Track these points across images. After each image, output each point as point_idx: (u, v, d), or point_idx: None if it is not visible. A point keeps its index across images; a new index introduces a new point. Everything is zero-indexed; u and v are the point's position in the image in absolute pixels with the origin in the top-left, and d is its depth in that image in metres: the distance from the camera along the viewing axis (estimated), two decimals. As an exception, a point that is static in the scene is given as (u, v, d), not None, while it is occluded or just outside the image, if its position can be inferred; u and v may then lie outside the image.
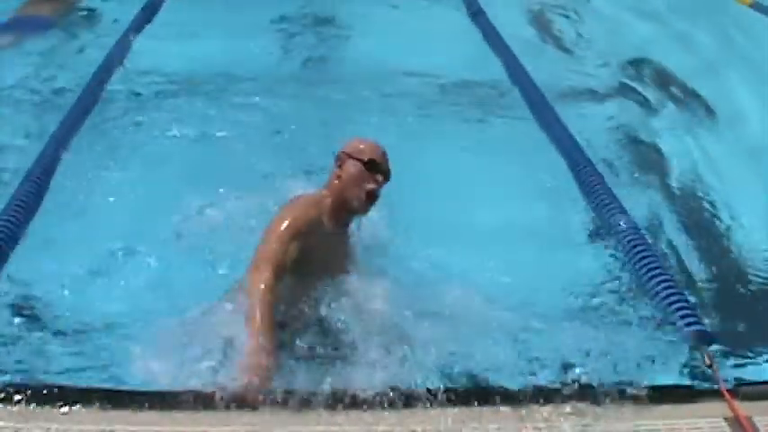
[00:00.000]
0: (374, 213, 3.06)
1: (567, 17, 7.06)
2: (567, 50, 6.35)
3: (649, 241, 3.60)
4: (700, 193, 4.26)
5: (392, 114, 4.92)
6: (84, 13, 6.95)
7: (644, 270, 3.37)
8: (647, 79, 5.78)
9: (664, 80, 5.74)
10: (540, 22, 6.95)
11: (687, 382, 2.76)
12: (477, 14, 6.59)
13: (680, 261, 3.61)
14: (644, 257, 3.43)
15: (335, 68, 5.83)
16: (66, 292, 3.18)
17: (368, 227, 3.17)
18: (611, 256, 3.60)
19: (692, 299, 3.24)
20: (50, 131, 4.50)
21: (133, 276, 3.29)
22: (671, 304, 3.10)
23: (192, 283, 3.14)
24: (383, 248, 3.30)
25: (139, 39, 6.13)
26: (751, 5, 7.04)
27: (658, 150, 4.73)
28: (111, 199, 3.92)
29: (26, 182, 3.94)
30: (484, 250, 3.48)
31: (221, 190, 3.69)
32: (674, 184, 4.37)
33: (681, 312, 3.04)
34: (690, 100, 5.40)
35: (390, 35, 6.29)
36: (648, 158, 4.65)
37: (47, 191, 3.97)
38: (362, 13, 6.90)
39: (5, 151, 4.40)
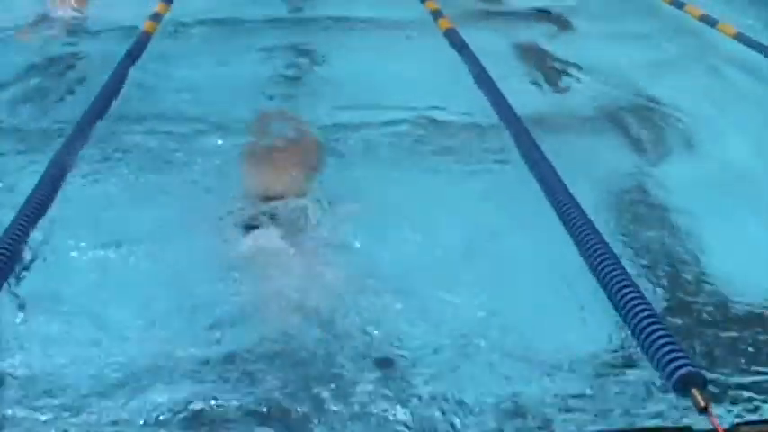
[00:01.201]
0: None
1: (554, 50, 6.98)
2: (554, 84, 6.25)
3: (634, 281, 3.49)
4: (688, 230, 4.18)
5: (373, 153, 4.92)
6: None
7: (629, 310, 3.25)
8: (638, 115, 5.69)
9: (654, 116, 5.67)
10: (526, 55, 6.85)
11: (681, 424, 2.66)
12: (462, 49, 6.45)
13: (667, 299, 3.51)
14: (628, 296, 3.32)
15: (311, 101, 5.78)
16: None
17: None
18: (593, 294, 3.50)
19: (681, 338, 3.14)
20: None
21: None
22: (660, 346, 2.99)
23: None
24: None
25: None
26: (735, 37, 7.00)
27: (646, 187, 4.66)
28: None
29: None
30: (463, 290, 3.43)
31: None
32: (660, 219, 4.29)
33: (671, 354, 2.93)
34: (680, 137, 5.34)
35: (371, 69, 6.29)
36: (637, 195, 4.58)
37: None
38: (342, 46, 6.90)
39: None
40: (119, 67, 6.21)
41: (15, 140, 5.21)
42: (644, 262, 3.91)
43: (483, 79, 5.92)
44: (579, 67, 6.53)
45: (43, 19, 7.87)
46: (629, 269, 3.55)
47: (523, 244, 3.94)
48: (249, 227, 4.05)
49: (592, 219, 3.94)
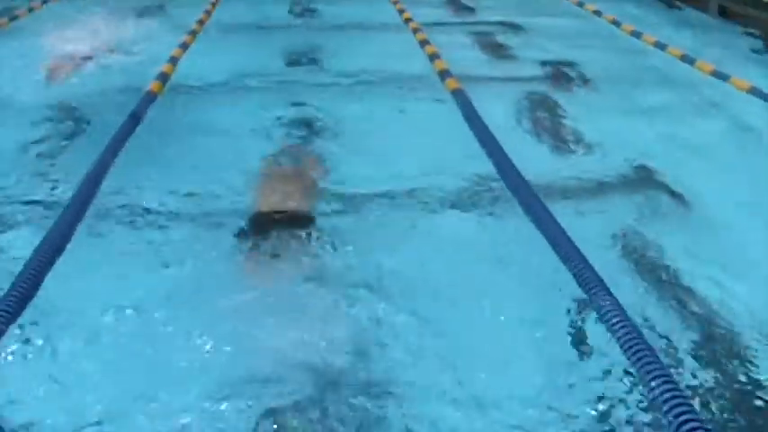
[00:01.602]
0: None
1: (563, 112, 6.87)
2: (562, 147, 6.12)
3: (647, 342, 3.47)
4: (704, 293, 4.11)
5: (380, 218, 4.86)
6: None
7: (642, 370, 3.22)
8: (648, 177, 5.59)
9: (665, 178, 5.55)
10: (533, 117, 6.73)
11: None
12: (470, 116, 6.36)
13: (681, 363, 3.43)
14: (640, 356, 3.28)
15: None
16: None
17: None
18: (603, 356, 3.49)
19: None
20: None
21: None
22: (671, 408, 2.93)
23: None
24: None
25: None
26: (749, 91, 6.94)
27: (659, 250, 4.53)
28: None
29: None
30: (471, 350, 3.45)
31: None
32: (672, 281, 4.21)
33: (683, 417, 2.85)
34: (694, 200, 5.23)
35: (378, 137, 6.18)
36: (648, 258, 4.46)
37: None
38: (349, 112, 6.78)
39: None
40: (121, 129, 6.14)
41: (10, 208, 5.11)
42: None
43: (489, 142, 5.81)
44: (590, 129, 6.42)
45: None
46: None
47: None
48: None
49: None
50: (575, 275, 4.05)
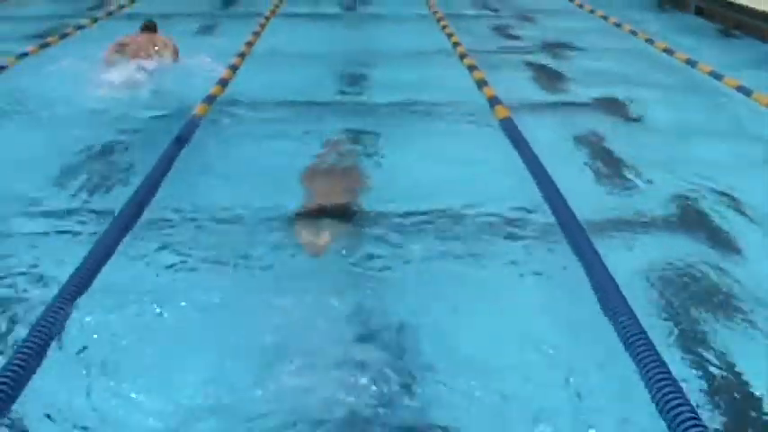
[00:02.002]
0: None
1: (614, 140, 6.71)
2: (612, 177, 5.97)
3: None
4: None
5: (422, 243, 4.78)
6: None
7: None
8: (707, 209, 5.42)
9: (724, 208, 5.40)
10: (583, 145, 6.60)
11: None
12: (518, 143, 6.24)
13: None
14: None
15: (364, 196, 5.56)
16: None
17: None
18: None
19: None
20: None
21: None
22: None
23: None
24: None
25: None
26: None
27: (714, 291, 4.35)
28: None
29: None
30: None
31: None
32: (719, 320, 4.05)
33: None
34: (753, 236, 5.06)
35: (425, 163, 6.09)
36: (701, 300, 4.28)
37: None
38: (396, 138, 6.70)
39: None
40: (167, 151, 6.11)
41: (57, 220, 5.14)
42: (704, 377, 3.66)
43: (539, 174, 5.70)
44: (643, 162, 6.27)
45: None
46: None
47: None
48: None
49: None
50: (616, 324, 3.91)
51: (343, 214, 5.17)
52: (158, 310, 4.06)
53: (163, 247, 4.73)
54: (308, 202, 5.34)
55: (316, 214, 5.14)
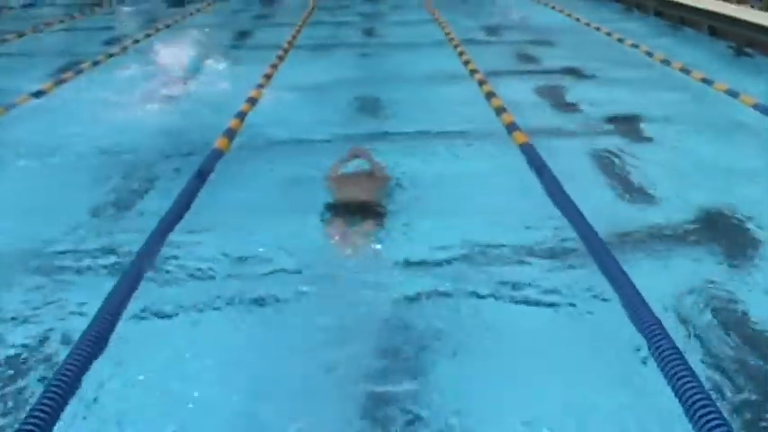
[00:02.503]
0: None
1: (633, 160, 6.74)
2: (636, 197, 6.00)
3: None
4: None
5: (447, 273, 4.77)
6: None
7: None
8: (729, 226, 5.42)
9: (745, 226, 5.39)
10: (604, 165, 6.62)
11: None
12: (540, 169, 6.26)
13: None
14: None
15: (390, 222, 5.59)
16: None
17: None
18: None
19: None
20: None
21: None
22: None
23: None
24: None
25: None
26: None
27: (746, 314, 4.34)
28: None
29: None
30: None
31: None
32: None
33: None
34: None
35: (446, 189, 6.15)
36: (735, 324, 4.27)
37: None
38: (417, 164, 6.72)
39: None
40: (189, 185, 6.16)
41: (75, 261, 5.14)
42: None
43: (560, 197, 5.73)
44: (661, 177, 6.31)
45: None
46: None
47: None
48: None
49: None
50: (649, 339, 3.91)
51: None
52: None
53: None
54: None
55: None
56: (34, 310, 4.53)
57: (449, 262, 4.96)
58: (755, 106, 8.23)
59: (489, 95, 8.94)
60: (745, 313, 4.36)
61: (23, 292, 4.74)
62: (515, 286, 4.65)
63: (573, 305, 4.45)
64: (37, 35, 14.92)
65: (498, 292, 4.59)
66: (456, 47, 12.35)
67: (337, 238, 5.24)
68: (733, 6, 13.85)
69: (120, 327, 4.27)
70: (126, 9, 19.35)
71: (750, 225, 5.43)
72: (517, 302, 4.51)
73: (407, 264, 4.94)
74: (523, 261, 4.95)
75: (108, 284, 4.62)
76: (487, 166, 6.77)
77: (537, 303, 4.49)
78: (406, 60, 11.58)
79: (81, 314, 4.41)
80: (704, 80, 9.53)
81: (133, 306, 4.48)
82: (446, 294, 4.58)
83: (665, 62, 10.82)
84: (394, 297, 4.57)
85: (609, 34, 13.41)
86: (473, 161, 6.90)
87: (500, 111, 8.24)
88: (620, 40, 12.79)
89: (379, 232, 5.33)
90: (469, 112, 8.35)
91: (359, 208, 5.68)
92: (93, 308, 4.37)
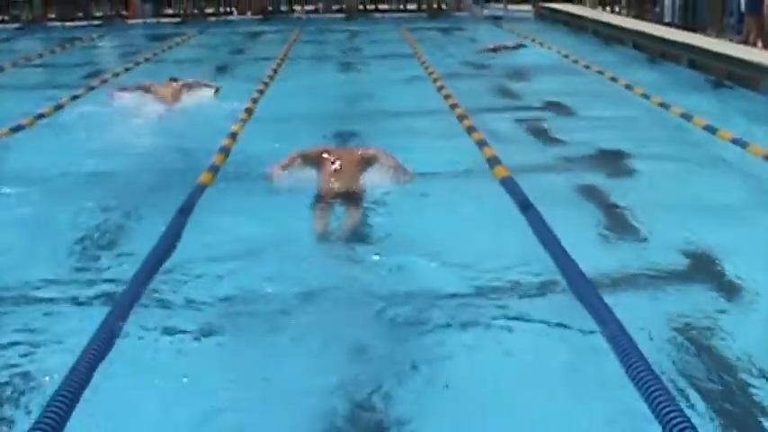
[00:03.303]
0: None
1: (619, 199, 6.73)
2: (620, 235, 5.99)
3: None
4: None
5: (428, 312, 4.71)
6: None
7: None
8: (713, 268, 5.38)
9: (728, 266, 5.35)
10: (590, 204, 6.65)
11: None
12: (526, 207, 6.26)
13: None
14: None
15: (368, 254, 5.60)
16: None
17: None
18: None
19: None
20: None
21: None
22: None
23: None
24: None
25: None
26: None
27: (728, 350, 4.33)
28: None
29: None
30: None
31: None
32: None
33: None
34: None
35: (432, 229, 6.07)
36: (716, 359, 4.24)
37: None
38: (401, 201, 6.69)
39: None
40: (172, 224, 6.10)
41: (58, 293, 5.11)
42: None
43: (546, 235, 5.71)
44: (643, 214, 6.32)
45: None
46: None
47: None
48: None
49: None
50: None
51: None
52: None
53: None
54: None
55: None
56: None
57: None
58: (734, 141, 8.26)
59: (470, 129, 8.96)
60: (726, 346, 4.34)
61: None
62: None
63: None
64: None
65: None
66: (435, 81, 12.42)
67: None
68: (712, 40, 14.03)
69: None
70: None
71: (729, 261, 5.42)
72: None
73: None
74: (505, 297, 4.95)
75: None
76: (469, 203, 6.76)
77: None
78: (386, 93, 11.63)
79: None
80: (683, 115, 9.59)
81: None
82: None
83: (645, 96, 10.90)
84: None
85: (587, 67, 13.52)
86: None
87: (481, 144, 8.25)
88: (599, 73, 12.89)
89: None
90: (449, 146, 8.35)
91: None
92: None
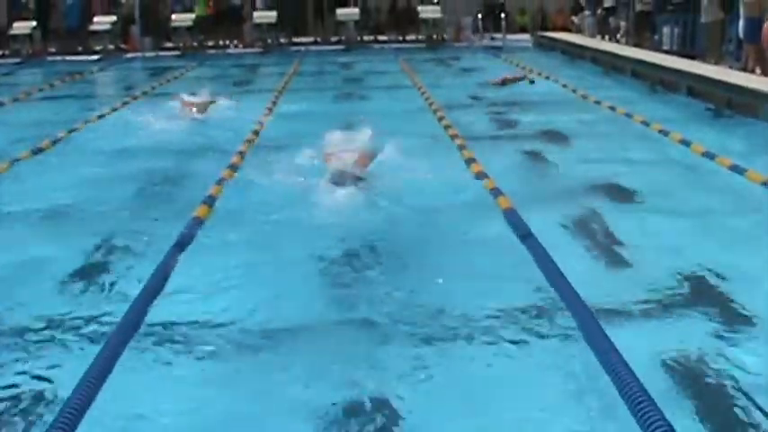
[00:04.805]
0: None
1: (617, 227, 6.67)
2: (618, 264, 5.93)
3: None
4: None
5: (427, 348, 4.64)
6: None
7: None
8: (713, 297, 5.31)
9: (733, 297, 5.27)
10: (588, 232, 6.59)
11: None
12: (525, 237, 6.22)
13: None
14: None
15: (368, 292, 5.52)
16: None
17: None
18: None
19: None
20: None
21: None
22: None
23: None
24: None
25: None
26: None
27: (727, 380, 4.24)
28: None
29: None
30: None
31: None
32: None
33: None
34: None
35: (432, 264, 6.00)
36: (717, 390, 4.16)
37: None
38: (401, 238, 6.65)
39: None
40: (167, 257, 6.03)
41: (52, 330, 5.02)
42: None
43: (546, 263, 5.66)
44: (643, 241, 6.28)
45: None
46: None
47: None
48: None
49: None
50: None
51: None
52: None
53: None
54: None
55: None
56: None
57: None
58: (732, 168, 8.22)
59: (470, 161, 8.92)
60: (725, 376, 4.26)
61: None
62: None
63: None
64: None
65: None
66: (435, 111, 12.41)
67: None
68: (711, 67, 14.04)
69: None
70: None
71: (730, 290, 5.35)
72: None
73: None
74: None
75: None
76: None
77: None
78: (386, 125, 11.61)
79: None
80: (683, 141, 9.57)
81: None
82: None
83: (645, 123, 10.87)
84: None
85: (585, 97, 13.52)
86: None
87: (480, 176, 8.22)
88: (597, 103, 12.89)
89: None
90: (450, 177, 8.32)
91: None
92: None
